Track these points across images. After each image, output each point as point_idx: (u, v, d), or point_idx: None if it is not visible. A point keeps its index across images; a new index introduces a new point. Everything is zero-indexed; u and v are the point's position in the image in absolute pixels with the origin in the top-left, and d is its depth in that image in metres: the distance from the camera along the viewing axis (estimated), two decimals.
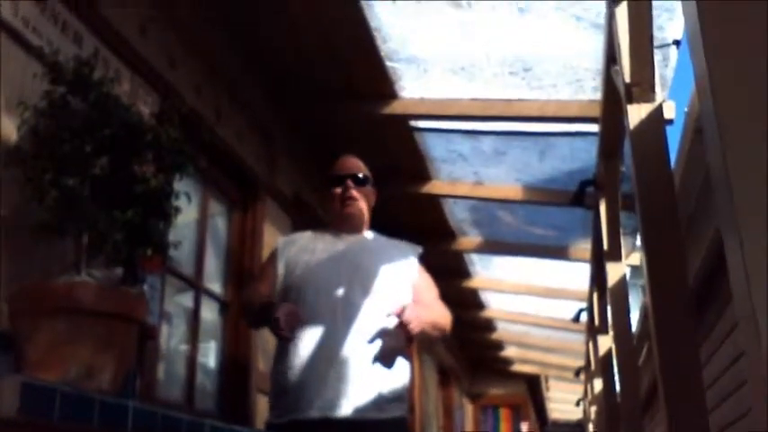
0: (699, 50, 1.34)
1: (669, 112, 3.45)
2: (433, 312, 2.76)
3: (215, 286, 4.37)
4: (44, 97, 2.53)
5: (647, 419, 5.80)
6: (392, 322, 2.63)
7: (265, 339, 4.32)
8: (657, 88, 2.81)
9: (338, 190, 2.83)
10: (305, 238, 2.90)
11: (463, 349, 12.34)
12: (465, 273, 8.12)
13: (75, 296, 2.32)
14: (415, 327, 2.59)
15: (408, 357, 2.76)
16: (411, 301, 2.72)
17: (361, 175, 2.87)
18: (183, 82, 3.74)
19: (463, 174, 5.66)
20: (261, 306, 2.65)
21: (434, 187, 5.81)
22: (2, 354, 2.31)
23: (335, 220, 2.87)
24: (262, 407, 4.23)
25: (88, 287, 2.37)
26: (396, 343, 2.65)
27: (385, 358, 2.59)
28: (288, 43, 4.24)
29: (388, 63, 4.28)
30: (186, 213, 3.03)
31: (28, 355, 2.26)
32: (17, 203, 2.49)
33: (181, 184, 2.82)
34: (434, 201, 6.17)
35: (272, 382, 2.68)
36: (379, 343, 2.59)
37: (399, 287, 2.70)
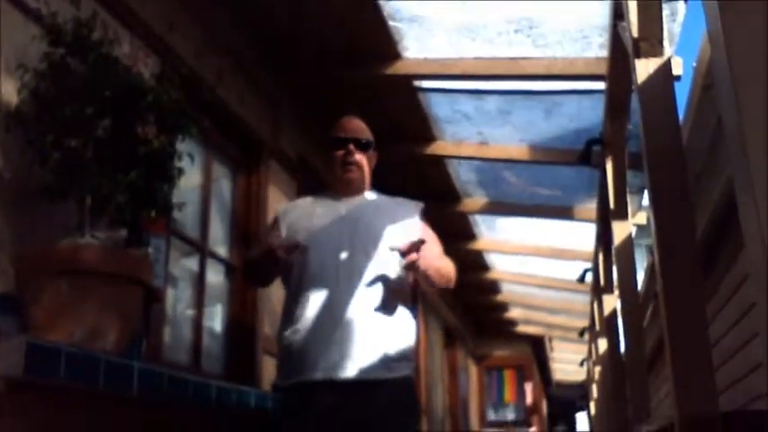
0: (712, 2, 1.31)
1: (677, 67, 3.41)
2: (437, 260, 2.74)
3: (221, 249, 4.36)
4: (43, 59, 2.50)
5: (652, 378, 5.82)
6: (395, 272, 2.61)
7: (271, 302, 4.33)
8: (665, 43, 2.77)
9: (340, 153, 2.80)
10: (305, 203, 2.89)
11: (468, 311, 12.39)
12: (470, 234, 8.11)
13: (80, 258, 2.31)
14: (421, 263, 2.56)
15: (415, 313, 2.75)
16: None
17: (363, 139, 2.83)
18: (183, 45, 3.70)
19: (468, 134, 5.62)
20: (258, 252, 2.66)
21: (439, 148, 5.77)
22: (8, 315, 2.32)
23: (336, 183, 2.86)
24: (268, 369, 4.25)
25: (92, 249, 2.37)
26: (399, 289, 2.64)
27: (388, 304, 2.57)
28: (288, 6, 4.18)
29: (390, 23, 4.22)
30: (190, 177, 3.02)
31: (34, 316, 2.27)
32: (19, 167, 2.48)
33: (183, 146, 2.80)
34: (439, 162, 6.13)
35: (279, 344, 2.68)
36: (382, 293, 2.58)
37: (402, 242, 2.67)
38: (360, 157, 2.81)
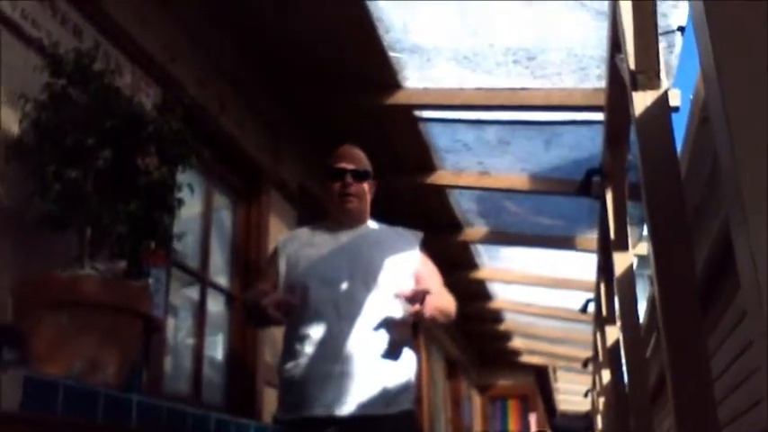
0: (704, 37, 1.32)
1: (675, 99, 3.42)
2: (439, 298, 2.72)
3: (221, 279, 4.36)
4: (45, 90, 2.52)
5: (657, 409, 5.78)
6: (397, 312, 2.59)
7: (272, 332, 4.32)
8: (663, 75, 2.78)
9: (338, 184, 2.78)
10: (305, 233, 2.87)
11: (470, 341, 12.33)
12: (471, 264, 8.10)
13: (79, 289, 2.32)
14: (426, 311, 2.53)
15: (415, 348, 2.73)
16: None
17: (360, 170, 2.81)
18: (185, 74, 3.73)
19: (468, 164, 5.64)
20: (252, 304, 2.63)
21: (439, 177, 5.79)
22: (8, 346, 2.31)
23: (336, 214, 2.83)
24: (269, 399, 4.23)
25: (92, 280, 2.37)
26: (402, 333, 2.62)
27: (393, 349, 2.56)
28: (289, 34, 4.22)
29: (390, 53, 4.26)
30: (191, 206, 3.03)
31: (33, 348, 2.26)
32: (20, 196, 2.48)
33: (184, 177, 2.81)
34: (440, 191, 6.15)
35: (279, 377, 2.66)
36: (384, 334, 2.57)
37: (402, 277, 2.66)
38: (357, 187, 2.79)
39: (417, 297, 2.50)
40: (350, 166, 2.78)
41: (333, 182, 2.78)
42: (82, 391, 2.01)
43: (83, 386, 2.05)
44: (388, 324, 2.58)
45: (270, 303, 2.49)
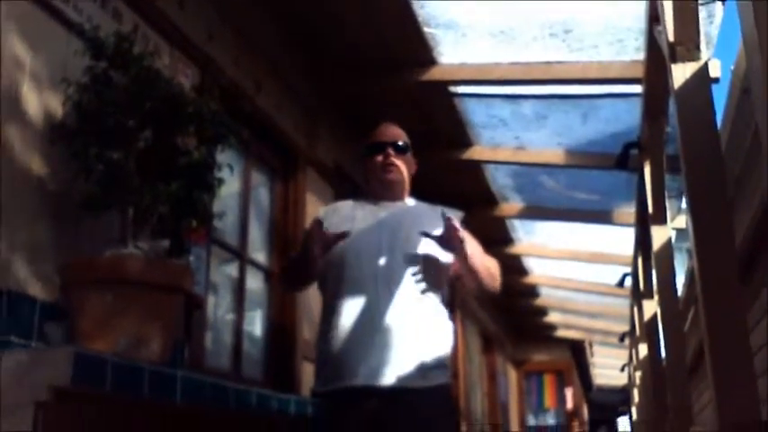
0: (747, 7, 1.31)
1: (715, 70, 3.37)
2: (481, 256, 2.71)
3: (260, 256, 4.42)
4: (86, 73, 2.56)
5: (695, 383, 5.74)
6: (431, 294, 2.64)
7: (310, 308, 4.37)
8: (702, 46, 2.74)
9: (379, 158, 2.80)
10: (346, 206, 2.88)
11: (506, 315, 12.33)
12: (507, 239, 8.08)
13: (123, 268, 2.37)
14: (467, 248, 2.53)
15: (453, 319, 2.74)
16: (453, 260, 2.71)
17: (401, 143, 2.83)
18: (222, 54, 3.76)
19: (504, 139, 5.61)
20: (301, 248, 2.67)
21: (475, 153, 5.78)
22: (55, 324, 2.37)
23: (376, 188, 2.85)
24: (307, 374, 4.29)
25: (135, 259, 2.42)
26: (437, 265, 2.65)
27: (426, 275, 2.59)
28: (325, 13, 4.22)
29: (425, 29, 4.24)
30: (229, 185, 3.06)
31: (79, 326, 2.32)
32: (64, 178, 2.54)
33: (223, 156, 2.85)
34: (475, 167, 6.14)
35: (317, 350, 2.69)
36: (419, 295, 2.59)
37: (441, 252, 2.67)
38: (398, 159, 2.82)
39: (450, 231, 2.52)
40: (390, 140, 2.82)
41: (374, 156, 2.80)
42: (129, 367, 2.06)
43: (130, 362, 2.10)
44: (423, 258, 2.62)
45: (318, 237, 2.53)
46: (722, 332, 2.37)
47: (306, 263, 2.63)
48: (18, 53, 2.51)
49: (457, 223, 2.54)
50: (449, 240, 2.55)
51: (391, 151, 2.79)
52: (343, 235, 2.55)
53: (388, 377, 2.47)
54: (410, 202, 2.88)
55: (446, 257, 2.68)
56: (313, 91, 4.87)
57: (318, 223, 2.62)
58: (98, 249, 2.49)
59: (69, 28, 2.70)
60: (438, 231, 2.65)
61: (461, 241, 2.55)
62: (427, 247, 2.64)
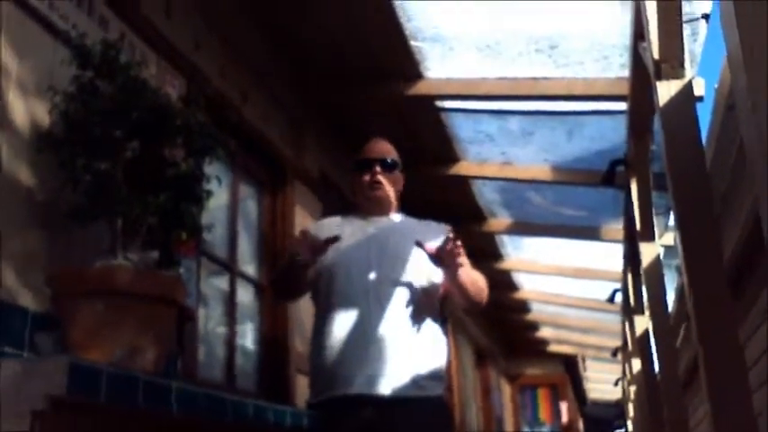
0: (731, 24, 1.32)
1: (699, 88, 3.39)
2: (469, 270, 2.71)
3: (249, 269, 4.41)
4: (73, 82, 2.55)
5: (689, 398, 5.75)
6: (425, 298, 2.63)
7: (302, 320, 4.36)
8: (687, 64, 2.76)
9: (366, 176, 2.81)
10: (334, 222, 2.90)
11: (498, 330, 12.33)
12: (496, 254, 8.10)
13: (114, 279, 2.36)
14: (458, 254, 2.52)
15: (445, 330, 2.74)
16: (442, 279, 2.70)
17: (389, 160, 2.84)
18: (209, 64, 3.76)
19: (491, 154, 5.64)
20: (285, 262, 2.66)
21: (462, 168, 5.80)
22: (46, 335, 2.35)
23: (363, 205, 2.86)
24: (301, 386, 4.27)
25: (126, 270, 2.41)
26: (428, 294, 2.64)
27: (417, 308, 2.58)
28: (312, 25, 4.24)
29: (412, 42, 4.26)
30: (218, 197, 3.06)
31: (71, 336, 2.31)
32: (52, 188, 2.53)
33: (211, 168, 2.84)
34: (463, 182, 6.15)
35: (311, 363, 2.70)
36: (409, 309, 2.59)
37: (430, 266, 2.67)
38: (386, 177, 2.82)
39: (443, 245, 2.52)
40: (378, 157, 2.82)
41: (362, 173, 2.81)
42: (124, 377, 2.04)
43: (125, 372, 2.08)
44: (413, 293, 2.62)
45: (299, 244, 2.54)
46: (715, 347, 2.38)
47: (295, 271, 2.63)
48: (4, 60, 2.50)
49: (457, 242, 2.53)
50: (448, 255, 2.54)
51: (378, 169, 2.80)
52: (333, 239, 2.55)
53: (384, 387, 2.48)
54: (397, 217, 2.89)
55: (435, 276, 2.68)
56: (299, 101, 4.88)
57: (304, 232, 2.62)
58: (88, 260, 2.48)
59: (56, 36, 2.69)
60: (430, 245, 2.66)
61: (457, 257, 2.54)
62: (416, 261, 2.64)
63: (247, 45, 4.23)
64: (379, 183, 2.80)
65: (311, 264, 2.61)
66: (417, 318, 2.61)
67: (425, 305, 2.65)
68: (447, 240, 2.53)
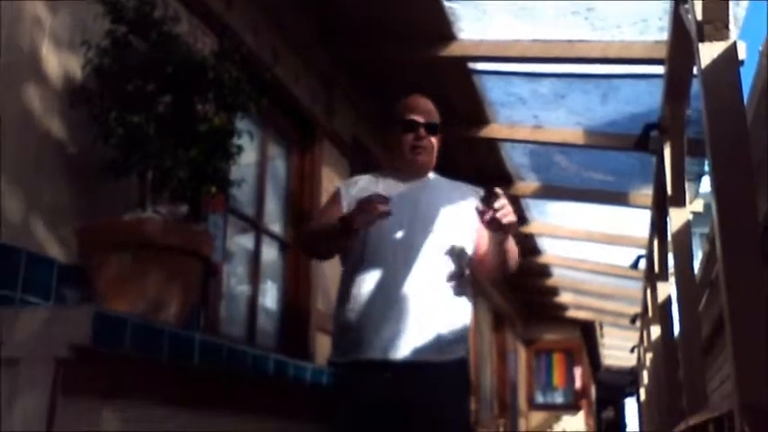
0: None
1: (741, 52, 3.31)
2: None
3: (275, 227, 4.42)
4: (106, 36, 2.54)
5: (708, 364, 5.74)
6: (454, 261, 2.60)
7: (325, 279, 4.37)
8: (731, 26, 2.70)
9: (409, 136, 2.74)
10: (365, 180, 2.85)
11: (517, 294, 12.35)
12: (521, 218, 8.05)
13: (143, 231, 2.36)
14: (508, 213, 2.38)
15: (470, 296, 2.72)
16: (474, 241, 2.67)
17: (433, 123, 2.76)
18: (240, 23, 3.73)
19: (522, 117, 5.58)
20: (335, 221, 2.57)
21: (492, 131, 5.74)
22: (73, 286, 2.38)
23: (402, 165, 2.78)
24: (321, 345, 4.30)
25: (155, 222, 2.41)
26: (460, 271, 2.61)
27: (450, 283, 2.56)
28: None
29: (446, 3, 4.20)
30: (247, 155, 3.04)
31: (98, 287, 2.33)
32: (84, 142, 2.53)
33: (241, 124, 2.83)
34: (492, 145, 6.10)
35: (335, 321, 2.69)
36: (438, 269, 2.56)
37: (461, 228, 2.64)
38: (430, 141, 2.76)
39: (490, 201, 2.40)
40: (423, 119, 2.74)
41: (405, 133, 2.74)
42: (148, 328, 2.05)
43: (149, 323, 2.10)
44: (446, 262, 2.58)
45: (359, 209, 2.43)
46: (743, 310, 2.37)
47: (342, 238, 2.55)
48: (38, 14, 2.49)
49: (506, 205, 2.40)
50: (501, 216, 2.38)
51: (423, 133, 2.73)
52: (387, 213, 2.44)
53: (403, 350, 2.47)
54: (432, 177, 2.85)
55: (467, 238, 2.65)
56: (331, 63, 4.84)
57: (367, 204, 2.47)
58: (117, 213, 2.49)
59: None
60: (459, 207, 2.63)
61: (510, 217, 2.42)
62: (447, 222, 2.62)
63: (279, 6, 4.18)
64: (423, 147, 2.74)
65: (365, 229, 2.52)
66: (444, 278, 2.59)
67: (454, 266, 2.62)
68: (496, 199, 2.38)
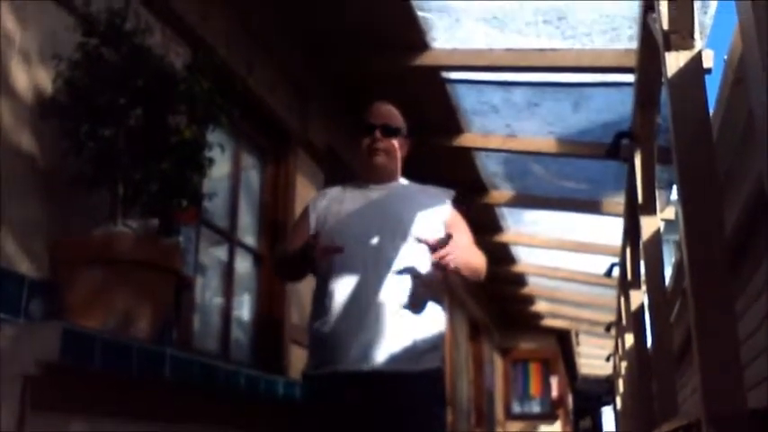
0: None
1: (708, 61, 3.36)
2: (466, 252, 2.66)
3: (249, 239, 4.40)
4: (78, 49, 2.53)
5: (679, 375, 5.78)
6: (425, 267, 2.59)
7: (299, 292, 4.36)
8: (696, 35, 2.74)
9: (366, 140, 2.77)
10: (334, 191, 2.87)
11: (493, 303, 12.37)
12: (496, 227, 8.09)
13: (114, 246, 2.36)
14: (450, 261, 2.48)
15: (443, 303, 2.73)
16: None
17: (391, 125, 2.79)
18: (214, 34, 3.72)
19: (495, 126, 5.60)
20: (293, 252, 2.62)
21: (466, 140, 5.76)
22: (43, 301, 2.36)
23: (364, 171, 2.81)
24: (296, 357, 4.28)
25: (125, 237, 2.41)
26: (427, 287, 2.61)
27: (415, 302, 2.56)
28: None
29: (418, 12, 4.22)
30: (219, 166, 3.05)
31: (68, 303, 2.31)
32: (54, 155, 2.52)
33: (213, 137, 2.83)
34: (466, 154, 6.12)
35: (309, 333, 2.69)
36: (408, 283, 2.57)
37: (431, 232, 2.65)
38: (386, 143, 2.76)
39: (440, 245, 2.46)
40: (379, 122, 2.76)
41: (363, 137, 2.77)
42: (117, 344, 2.05)
43: (118, 338, 2.09)
44: (412, 273, 2.58)
45: (318, 248, 2.48)
46: (709, 320, 2.39)
47: (305, 264, 2.59)
48: (7, 27, 2.48)
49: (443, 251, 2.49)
50: (438, 260, 2.50)
51: (378, 135, 2.74)
52: (339, 249, 2.51)
53: (377, 361, 2.47)
54: (401, 182, 2.85)
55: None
56: (305, 72, 4.84)
57: (316, 236, 2.56)
58: (88, 227, 2.47)
59: (59, 2, 2.66)
60: (428, 213, 2.65)
61: (446, 265, 2.52)
62: (416, 229, 2.62)
63: (252, 16, 4.19)
64: (379, 149, 2.75)
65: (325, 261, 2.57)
66: (416, 291, 2.59)
67: (428, 287, 2.62)
68: (443, 244, 2.48)
